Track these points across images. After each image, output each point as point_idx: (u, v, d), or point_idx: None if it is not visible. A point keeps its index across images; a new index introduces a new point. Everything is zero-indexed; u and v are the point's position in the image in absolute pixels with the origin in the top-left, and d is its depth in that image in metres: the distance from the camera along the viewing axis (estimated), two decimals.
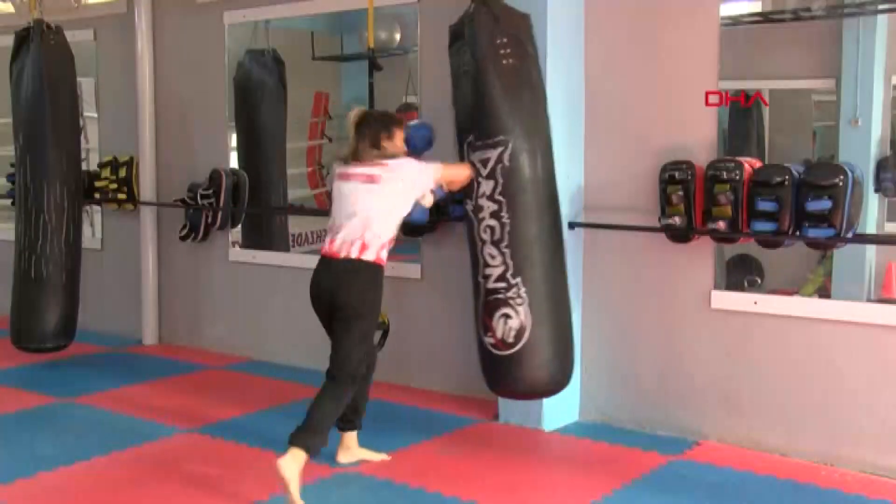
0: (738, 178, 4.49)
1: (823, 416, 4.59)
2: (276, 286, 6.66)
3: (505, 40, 4.43)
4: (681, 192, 4.65)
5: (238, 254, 6.91)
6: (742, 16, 5.07)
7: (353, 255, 4.21)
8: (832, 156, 4.87)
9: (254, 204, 6.84)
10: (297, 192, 7.44)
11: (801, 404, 4.65)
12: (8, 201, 7.15)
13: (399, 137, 4.42)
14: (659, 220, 4.77)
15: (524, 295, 4.37)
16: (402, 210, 4.33)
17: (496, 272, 4.41)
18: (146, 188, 7.21)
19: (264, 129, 7.05)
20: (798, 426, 4.66)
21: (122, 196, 7.25)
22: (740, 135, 5.24)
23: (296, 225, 7.31)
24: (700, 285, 4.91)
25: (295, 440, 4.06)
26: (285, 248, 7.13)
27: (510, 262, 4.39)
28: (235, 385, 5.96)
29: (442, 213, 5.59)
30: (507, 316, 4.40)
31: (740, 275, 5.03)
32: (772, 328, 4.72)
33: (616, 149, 5.14)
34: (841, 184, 4.25)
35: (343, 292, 4.22)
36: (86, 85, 7.60)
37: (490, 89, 4.39)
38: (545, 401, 5.11)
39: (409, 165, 4.34)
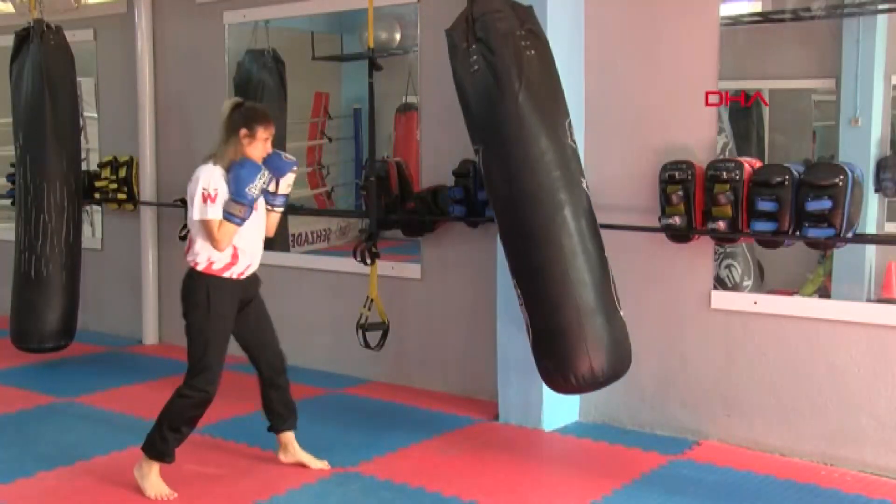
0: (737, 177, 4.49)
1: (823, 416, 4.59)
2: (276, 286, 6.65)
3: (524, 31, 4.41)
4: (681, 192, 4.65)
5: None
6: (742, 16, 5.07)
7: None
8: (832, 156, 4.87)
9: None
10: (296, 192, 7.43)
11: (801, 404, 4.65)
12: (8, 201, 7.15)
13: (262, 137, 4.20)
14: (659, 220, 4.77)
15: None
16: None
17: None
18: (146, 188, 7.21)
19: None
20: (798, 426, 4.66)
21: (122, 196, 7.25)
22: (740, 135, 5.24)
23: (295, 225, 7.31)
24: (700, 285, 4.91)
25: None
26: (285, 249, 7.13)
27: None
28: (235, 385, 5.94)
29: (442, 213, 5.60)
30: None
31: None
32: (772, 328, 4.72)
33: (616, 149, 5.14)
34: (841, 184, 4.25)
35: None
36: (86, 85, 7.60)
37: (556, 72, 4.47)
38: (545, 401, 5.12)
39: (196, 183, 4.14)
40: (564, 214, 4.31)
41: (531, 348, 4.47)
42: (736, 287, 5.03)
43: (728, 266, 5.05)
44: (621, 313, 4.39)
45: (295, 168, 4.39)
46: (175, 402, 4.20)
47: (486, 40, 4.32)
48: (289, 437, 4.54)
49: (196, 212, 4.11)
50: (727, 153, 4.94)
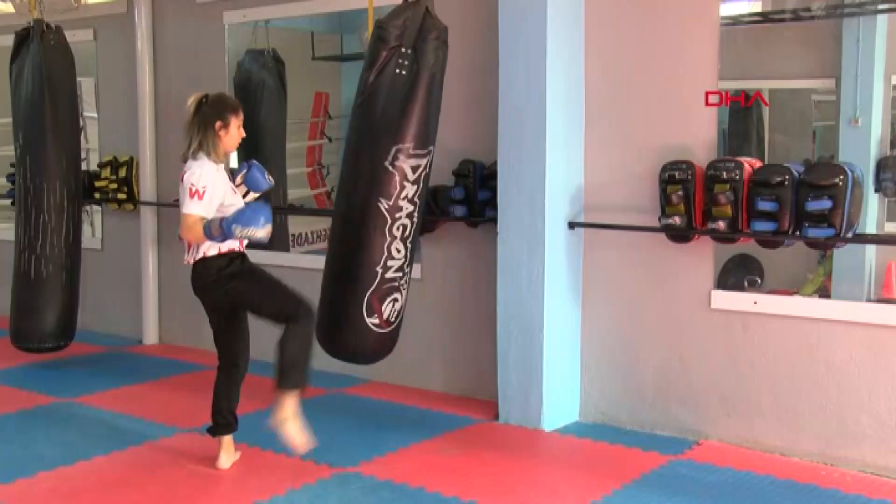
0: (737, 177, 4.49)
1: (823, 416, 4.59)
2: None
3: (444, 51, 4.63)
4: (681, 192, 4.66)
5: None
6: (742, 16, 5.07)
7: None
8: (832, 156, 4.87)
9: None
10: (296, 192, 7.44)
11: (801, 404, 4.65)
12: (8, 201, 7.15)
13: (235, 126, 4.36)
14: (659, 220, 4.77)
15: (408, 281, 4.81)
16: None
17: (397, 264, 4.66)
18: (146, 188, 7.22)
19: (264, 128, 7.04)
20: (798, 426, 4.66)
21: (122, 196, 7.26)
22: (740, 135, 5.24)
23: (295, 225, 7.31)
24: (700, 285, 4.91)
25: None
26: (285, 249, 7.13)
27: (409, 256, 4.72)
28: None
29: (442, 213, 5.60)
30: (395, 300, 4.73)
31: (740, 275, 5.03)
32: (772, 328, 4.72)
33: (616, 149, 5.14)
34: (841, 184, 4.25)
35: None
36: (86, 85, 7.60)
37: (433, 100, 4.63)
38: (545, 401, 5.12)
39: (187, 181, 4.23)
40: (353, 220, 4.66)
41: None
42: None
43: None
44: (369, 321, 4.67)
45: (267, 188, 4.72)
46: (302, 337, 4.26)
47: (367, 46, 4.62)
48: (227, 440, 4.59)
49: (183, 206, 4.21)
50: None
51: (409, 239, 4.70)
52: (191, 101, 4.31)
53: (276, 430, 4.25)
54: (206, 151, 4.27)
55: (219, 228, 4.14)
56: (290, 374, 4.22)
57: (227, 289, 4.34)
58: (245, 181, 4.62)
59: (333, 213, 4.93)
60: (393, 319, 4.77)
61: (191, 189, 4.17)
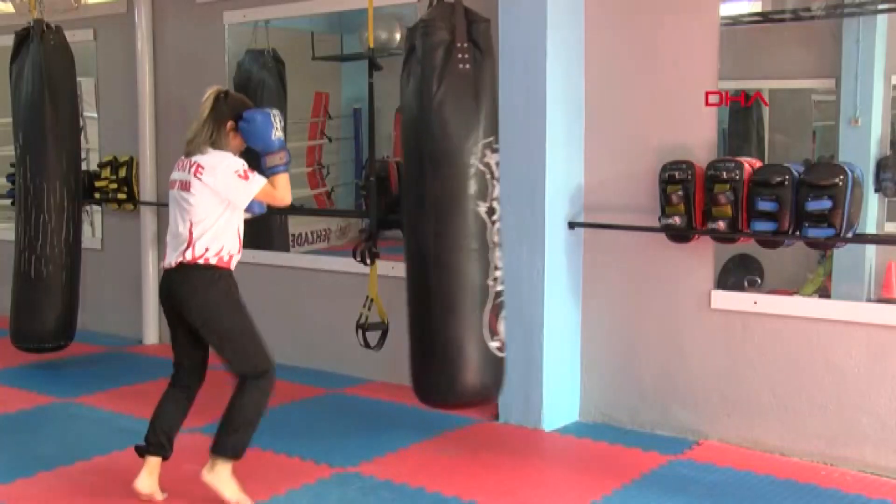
0: (737, 177, 4.49)
1: (823, 416, 4.59)
2: (276, 286, 6.66)
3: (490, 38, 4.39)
4: (681, 192, 4.66)
5: None
6: (742, 16, 5.07)
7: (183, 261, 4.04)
8: (832, 155, 4.87)
9: None
10: (297, 193, 7.40)
11: (801, 404, 4.65)
12: (8, 201, 7.15)
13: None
14: (659, 219, 4.77)
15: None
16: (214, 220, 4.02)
17: (500, 274, 4.32)
18: (146, 188, 7.22)
19: None
20: (798, 426, 4.66)
21: (122, 196, 7.26)
22: (740, 135, 5.24)
23: (295, 225, 7.31)
24: (700, 285, 4.91)
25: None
26: (285, 249, 7.13)
27: (502, 266, 4.37)
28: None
29: None
30: (505, 318, 4.36)
31: (740, 275, 5.03)
32: (772, 328, 4.72)
33: (616, 149, 5.14)
34: (841, 184, 4.25)
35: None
36: (86, 85, 7.60)
37: (495, 88, 4.39)
38: (545, 401, 5.12)
39: (227, 172, 3.97)
40: (449, 233, 4.26)
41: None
42: None
43: None
44: (493, 345, 4.26)
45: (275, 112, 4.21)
46: (250, 401, 4.03)
47: (419, 48, 4.27)
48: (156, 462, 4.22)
49: (241, 194, 3.98)
50: None
51: (500, 247, 4.34)
52: (208, 94, 4.11)
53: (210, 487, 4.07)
54: (218, 147, 4.05)
55: (274, 154, 4.03)
56: (236, 436, 4.04)
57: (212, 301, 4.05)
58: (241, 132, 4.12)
59: (412, 238, 4.42)
60: (506, 341, 4.35)
61: (238, 174, 3.96)
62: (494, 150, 4.30)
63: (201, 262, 4.01)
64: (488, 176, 4.27)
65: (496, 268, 4.31)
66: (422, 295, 4.34)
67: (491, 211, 4.29)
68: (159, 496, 4.15)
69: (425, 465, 4.60)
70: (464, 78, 4.23)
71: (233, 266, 4.13)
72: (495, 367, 4.33)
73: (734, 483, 4.37)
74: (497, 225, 4.30)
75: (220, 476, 4.06)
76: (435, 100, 4.22)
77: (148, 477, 4.14)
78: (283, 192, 4.07)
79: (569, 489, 4.37)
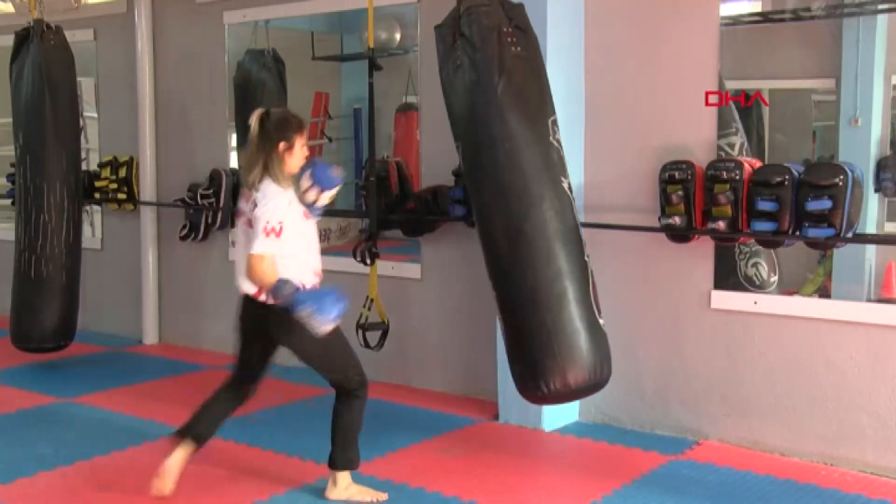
0: (737, 177, 4.50)
1: (823, 416, 4.59)
2: None
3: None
4: (681, 192, 4.66)
5: None
6: (742, 16, 5.07)
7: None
8: (832, 155, 4.87)
9: None
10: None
11: (801, 404, 4.65)
12: (8, 201, 7.15)
13: (299, 145, 3.98)
14: (659, 219, 4.77)
15: None
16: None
17: (586, 249, 4.26)
18: (146, 188, 7.22)
19: None
20: (798, 426, 4.66)
21: (122, 196, 7.26)
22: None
23: None
24: (700, 285, 4.91)
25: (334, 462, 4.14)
26: None
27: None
28: None
29: (442, 213, 5.60)
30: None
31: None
32: (772, 328, 4.72)
33: (616, 149, 5.14)
34: (841, 183, 4.25)
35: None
36: (86, 85, 7.60)
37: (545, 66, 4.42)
38: None
39: (261, 216, 3.81)
40: (541, 213, 4.13)
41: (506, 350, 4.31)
42: (763, 284, 5.01)
43: (755, 265, 5.03)
44: (601, 321, 4.20)
45: (340, 183, 4.15)
46: (350, 413, 4.11)
47: (470, 35, 4.22)
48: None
49: (255, 239, 3.81)
50: (744, 153, 4.91)
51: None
52: (253, 120, 3.96)
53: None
54: (272, 176, 3.90)
55: (287, 297, 3.79)
56: (346, 448, 4.14)
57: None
58: (313, 179, 4.04)
59: (491, 232, 4.27)
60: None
61: (266, 227, 3.77)
62: (558, 127, 4.32)
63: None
64: (562, 152, 4.26)
65: (584, 242, 4.27)
66: (513, 289, 4.18)
67: (570, 187, 4.29)
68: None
69: (425, 465, 4.60)
70: (518, 60, 4.21)
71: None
72: (608, 345, 4.24)
73: (734, 483, 4.37)
74: (575, 203, 4.28)
75: (340, 485, 4.16)
76: (496, 83, 4.15)
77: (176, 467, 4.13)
78: (259, 274, 3.82)
79: (569, 489, 4.37)
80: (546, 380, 4.09)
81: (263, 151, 3.92)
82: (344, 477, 4.15)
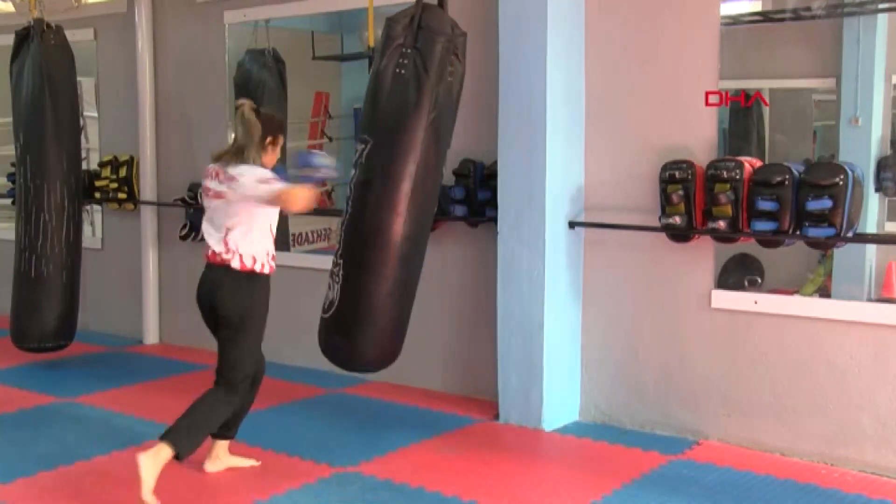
0: (738, 177, 4.49)
1: (823, 416, 4.59)
2: (276, 286, 6.63)
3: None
4: (681, 192, 4.66)
5: None
6: (742, 15, 5.07)
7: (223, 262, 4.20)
8: (832, 155, 4.87)
9: None
10: None
11: (801, 404, 4.65)
12: (8, 201, 7.15)
13: (279, 145, 4.23)
14: (659, 219, 4.77)
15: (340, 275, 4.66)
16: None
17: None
18: (146, 188, 7.22)
19: None
20: (798, 426, 4.66)
21: (122, 196, 7.26)
22: (740, 134, 5.24)
23: (295, 225, 7.31)
24: (700, 285, 4.91)
25: (166, 436, 4.08)
26: (285, 248, 7.12)
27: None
28: None
29: (442, 213, 5.60)
30: (329, 287, 4.69)
31: (740, 274, 5.03)
32: (772, 328, 4.72)
33: (616, 149, 5.13)
34: (841, 183, 4.25)
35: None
36: (86, 85, 7.60)
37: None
38: (545, 401, 5.11)
39: (251, 177, 4.05)
40: (413, 229, 4.64)
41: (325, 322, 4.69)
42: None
43: None
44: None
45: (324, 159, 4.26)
46: (217, 410, 4.20)
47: (423, 54, 4.52)
48: (224, 445, 4.49)
49: (263, 190, 3.99)
50: None
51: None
52: (247, 109, 4.14)
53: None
54: (250, 162, 4.10)
55: (311, 165, 4.06)
56: (188, 433, 4.11)
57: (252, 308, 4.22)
58: (300, 162, 4.22)
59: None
60: (325, 307, 4.73)
61: (262, 178, 4.01)
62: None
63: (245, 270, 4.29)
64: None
65: None
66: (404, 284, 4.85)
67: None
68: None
69: (425, 465, 4.60)
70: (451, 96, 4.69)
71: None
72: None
73: (734, 483, 4.37)
74: None
75: (156, 460, 4.03)
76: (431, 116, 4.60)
77: (212, 460, 4.44)
78: (296, 201, 4.01)
79: (569, 489, 4.37)
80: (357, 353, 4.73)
81: (250, 138, 4.12)
82: (166, 451, 4.03)
